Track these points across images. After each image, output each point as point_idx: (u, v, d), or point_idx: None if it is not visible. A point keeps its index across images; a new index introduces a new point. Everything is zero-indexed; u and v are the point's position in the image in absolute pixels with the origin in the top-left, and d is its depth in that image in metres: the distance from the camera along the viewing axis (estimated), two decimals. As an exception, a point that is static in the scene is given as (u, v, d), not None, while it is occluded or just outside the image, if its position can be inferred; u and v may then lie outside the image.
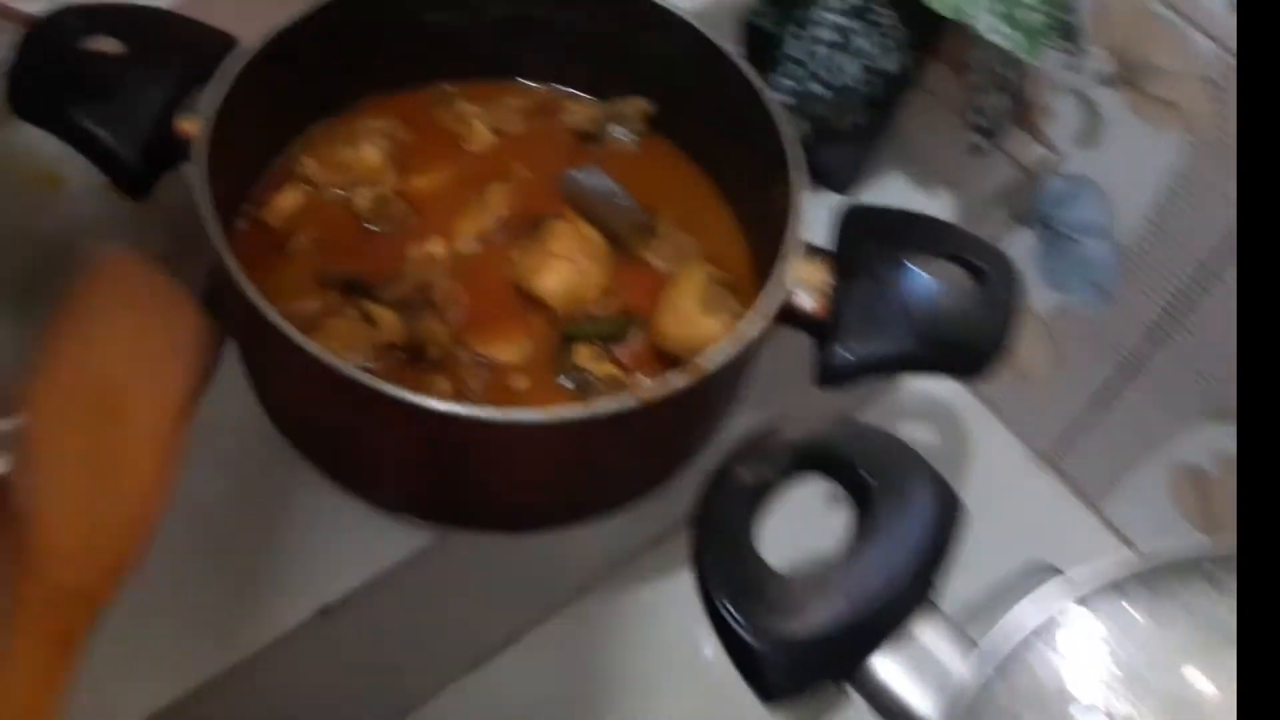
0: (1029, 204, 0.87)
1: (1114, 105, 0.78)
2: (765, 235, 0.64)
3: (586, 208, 0.65)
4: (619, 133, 0.69)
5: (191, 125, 0.56)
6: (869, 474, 0.46)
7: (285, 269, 0.60)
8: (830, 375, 0.55)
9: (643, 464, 0.57)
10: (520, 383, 0.58)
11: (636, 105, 0.68)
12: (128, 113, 0.55)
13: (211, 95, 0.56)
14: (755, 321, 0.52)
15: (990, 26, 0.56)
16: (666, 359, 0.60)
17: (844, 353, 0.54)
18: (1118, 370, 0.89)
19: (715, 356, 0.51)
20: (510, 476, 0.55)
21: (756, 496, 0.44)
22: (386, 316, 0.58)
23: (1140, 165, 0.78)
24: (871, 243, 0.57)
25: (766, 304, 0.53)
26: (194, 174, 0.53)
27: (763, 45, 0.68)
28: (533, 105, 0.69)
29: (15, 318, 0.61)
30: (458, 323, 0.60)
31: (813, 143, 0.69)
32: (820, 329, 0.57)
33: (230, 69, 0.57)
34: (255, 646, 0.56)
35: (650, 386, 0.49)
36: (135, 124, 0.55)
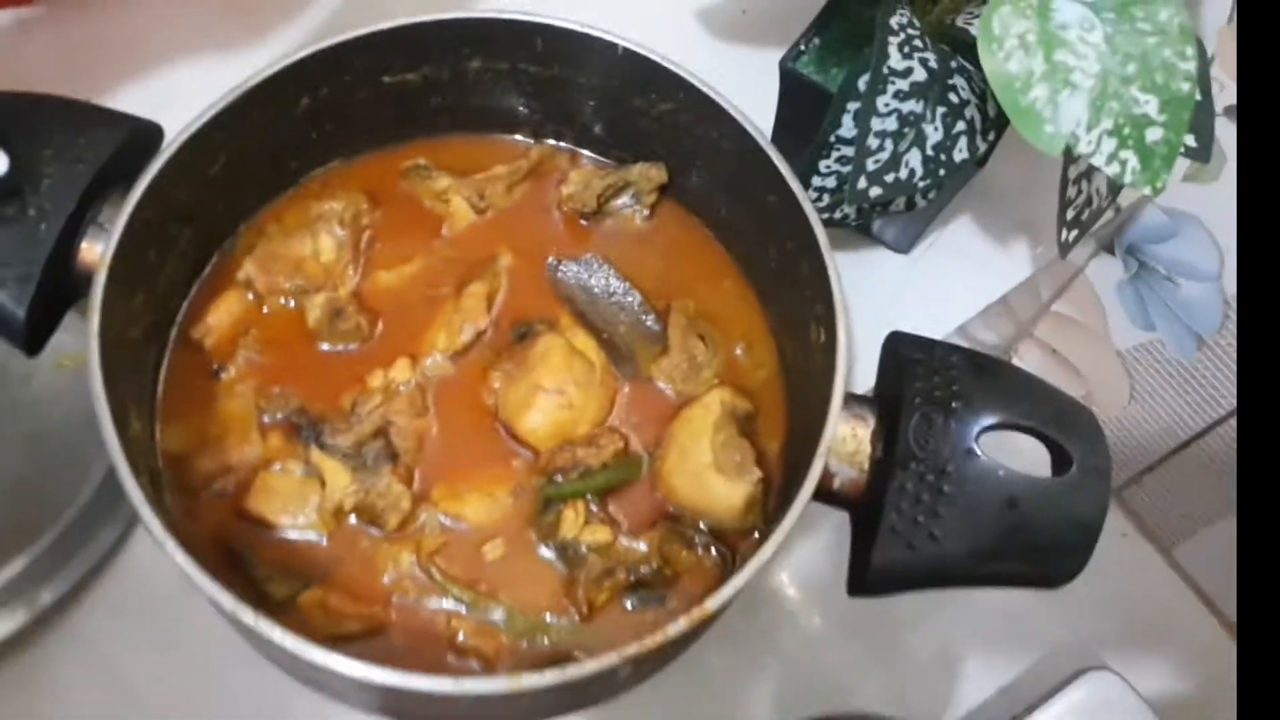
0: (1119, 234, 0.74)
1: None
2: (795, 347, 0.53)
3: (584, 311, 0.54)
4: (624, 206, 0.57)
5: (95, 255, 0.46)
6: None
7: (218, 403, 0.51)
8: (864, 584, 0.45)
9: (628, 678, 0.48)
10: (495, 551, 0.49)
11: (648, 174, 0.56)
12: (15, 249, 0.45)
13: (121, 213, 0.45)
14: (774, 539, 0.42)
15: (1110, 159, 0.44)
16: (670, 513, 0.50)
17: (881, 561, 0.44)
18: (1196, 414, 0.77)
19: (724, 593, 0.41)
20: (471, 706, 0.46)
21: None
22: (337, 474, 0.49)
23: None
24: (921, 404, 0.46)
25: (786, 522, 0.43)
26: (90, 333, 0.43)
27: (800, 96, 0.55)
28: (522, 171, 0.57)
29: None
30: (423, 472, 0.50)
31: (861, 218, 0.57)
32: (856, 513, 0.47)
33: (149, 172, 0.46)
34: None
35: (636, 645, 0.40)
36: (25, 264, 0.45)
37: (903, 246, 0.64)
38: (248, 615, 0.38)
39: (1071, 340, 0.82)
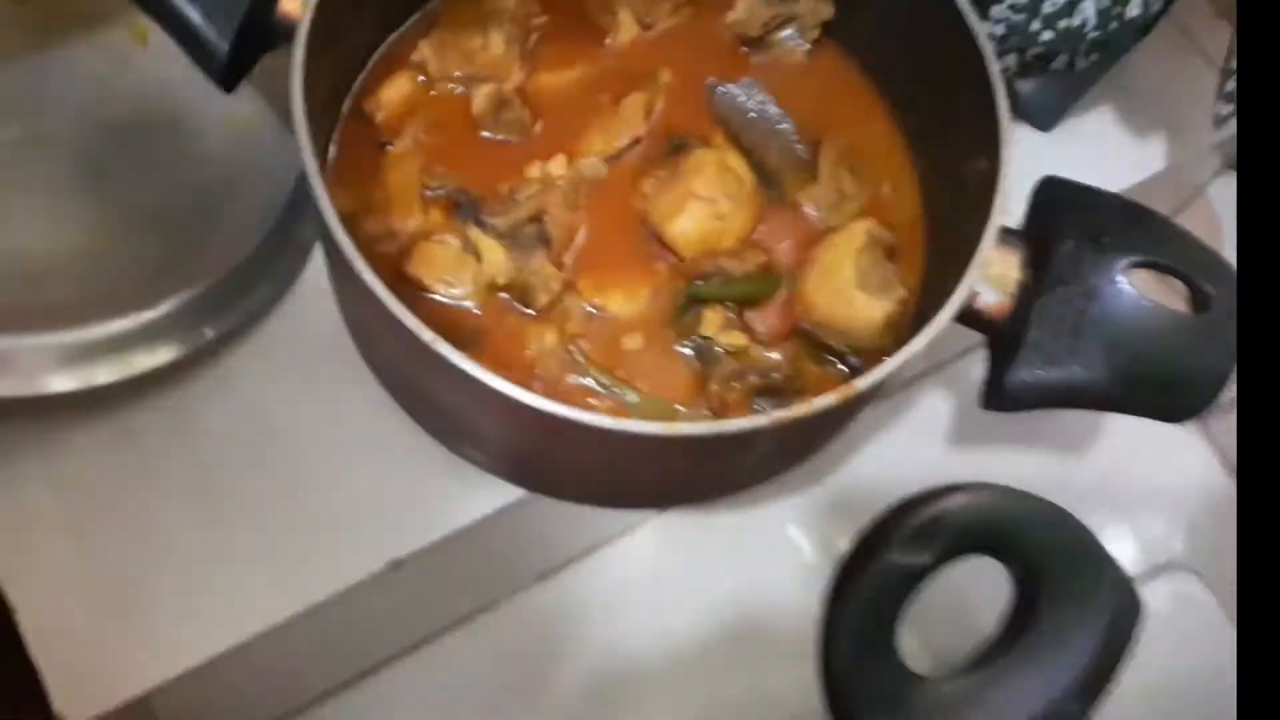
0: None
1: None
2: (944, 190, 0.54)
3: (739, 133, 0.55)
4: (788, 38, 0.58)
5: (296, 5, 0.47)
6: (1041, 563, 0.38)
7: (385, 174, 0.53)
8: (999, 399, 0.46)
9: (755, 465, 0.50)
10: (633, 342, 0.51)
11: (814, 7, 0.57)
12: (222, -14, 0.47)
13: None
14: (923, 336, 0.44)
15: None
16: (806, 329, 0.52)
17: (1021, 374, 0.45)
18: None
19: (871, 375, 0.43)
20: (608, 467, 0.48)
21: (906, 586, 0.37)
22: (494, 251, 0.50)
23: None
24: (1073, 236, 0.47)
25: (941, 318, 0.44)
26: (293, 72, 0.45)
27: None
28: (691, -6, 0.58)
29: (92, 196, 0.55)
30: (572, 263, 0.52)
31: (1017, 76, 0.58)
32: (998, 336, 0.48)
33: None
34: (326, 594, 0.52)
35: (784, 411, 0.41)
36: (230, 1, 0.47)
37: (1044, 123, 0.64)
38: (427, 333, 0.40)
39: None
